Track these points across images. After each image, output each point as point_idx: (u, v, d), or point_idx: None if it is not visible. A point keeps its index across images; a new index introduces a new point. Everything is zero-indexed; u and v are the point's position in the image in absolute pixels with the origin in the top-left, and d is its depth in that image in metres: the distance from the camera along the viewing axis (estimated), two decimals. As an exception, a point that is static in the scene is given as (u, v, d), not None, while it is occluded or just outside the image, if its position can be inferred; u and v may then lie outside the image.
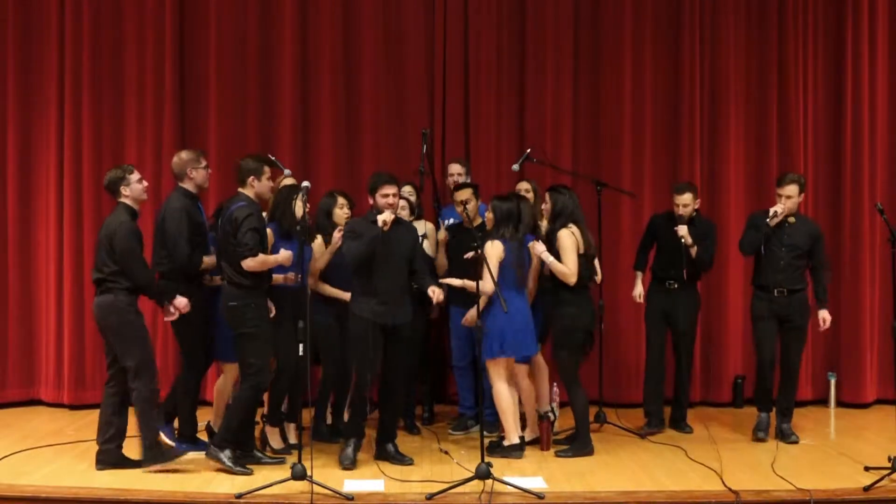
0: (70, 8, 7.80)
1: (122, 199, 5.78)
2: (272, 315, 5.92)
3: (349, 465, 5.89)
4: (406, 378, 6.26)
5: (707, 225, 6.92)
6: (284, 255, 5.88)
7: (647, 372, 7.01)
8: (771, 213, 6.53)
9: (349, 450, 5.95)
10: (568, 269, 6.17)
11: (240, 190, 5.91)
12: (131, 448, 5.90)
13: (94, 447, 5.90)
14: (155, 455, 5.74)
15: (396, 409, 6.23)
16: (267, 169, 5.97)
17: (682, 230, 6.68)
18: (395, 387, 6.08)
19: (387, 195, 5.92)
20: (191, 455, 6.03)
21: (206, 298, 6.09)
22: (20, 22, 7.84)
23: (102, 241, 5.72)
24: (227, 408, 6.04)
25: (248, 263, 5.69)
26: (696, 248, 6.69)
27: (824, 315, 6.74)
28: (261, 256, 5.73)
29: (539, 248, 6.23)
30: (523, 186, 6.89)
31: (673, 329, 6.92)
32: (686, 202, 6.75)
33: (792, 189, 6.57)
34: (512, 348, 6.11)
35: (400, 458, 6.04)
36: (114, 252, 5.64)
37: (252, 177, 5.88)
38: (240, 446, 5.91)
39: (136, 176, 5.83)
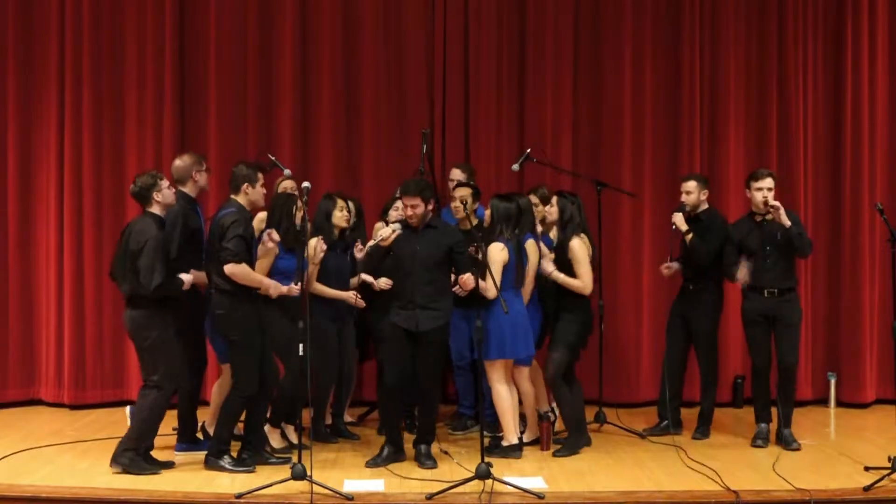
0: (70, 7, 7.80)
1: (151, 209, 5.65)
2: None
3: (371, 465, 5.89)
4: (435, 382, 6.10)
5: (713, 220, 6.75)
6: (271, 284, 5.79)
7: (662, 376, 6.94)
8: (758, 204, 6.45)
9: (382, 454, 5.95)
10: (582, 282, 6.19)
11: (232, 196, 5.82)
12: (158, 452, 5.91)
13: (94, 447, 5.88)
14: (131, 461, 5.66)
15: (429, 411, 6.07)
16: (261, 176, 5.89)
17: (677, 217, 6.65)
18: (425, 390, 5.98)
19: (397, 209, 5.89)
20: (190, 456, 6.04)
21: (200, 300, 6.04)
22: (20, 21, 7.84)
23: (127, 253, 5.58)
24: (218, 416, 5.96)
25: (230, 269, 5.57)
26: (690, 235, 6.61)
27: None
28: (245, 266, 5.61)
29: (549, 268, 6.24)
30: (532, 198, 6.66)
31: (690, 332, 6.80)
32: (689, 189, 6.72)
33: (770, 181, 6.49)
34: (511, 350, 6.11)
35: (422, 462, 5.95)
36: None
37: (246, 184, 5.79)
38: (249, 447, 5.90)
39: (165, 182, 5.71)
